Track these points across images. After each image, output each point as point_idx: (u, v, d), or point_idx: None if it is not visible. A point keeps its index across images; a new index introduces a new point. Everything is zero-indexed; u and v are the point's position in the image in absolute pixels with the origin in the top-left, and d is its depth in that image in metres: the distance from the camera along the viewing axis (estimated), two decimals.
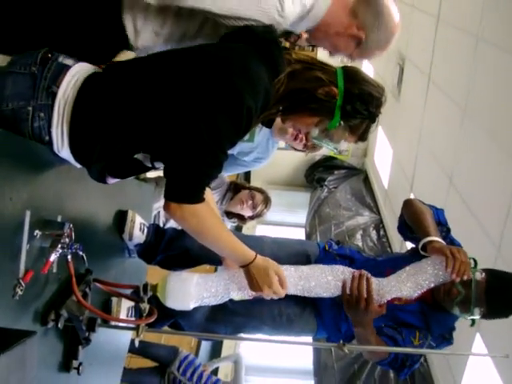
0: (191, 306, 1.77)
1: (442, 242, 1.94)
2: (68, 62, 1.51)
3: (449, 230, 2.15)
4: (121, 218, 2.19)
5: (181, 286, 1.75)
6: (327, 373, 4.51)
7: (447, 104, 4.35)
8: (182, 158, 1.44)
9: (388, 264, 2.04)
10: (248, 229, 6.47)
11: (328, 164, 8.08)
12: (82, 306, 1.58)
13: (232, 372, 4.52)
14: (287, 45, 4.53)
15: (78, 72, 1.51)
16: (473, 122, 3.82)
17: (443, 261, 1.82)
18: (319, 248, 2.26)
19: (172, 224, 2.84)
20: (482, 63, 3.66)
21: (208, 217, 1.52)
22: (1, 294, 1.28)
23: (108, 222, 2.09)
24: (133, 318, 2.03)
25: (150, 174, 3.08)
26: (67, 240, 1.48)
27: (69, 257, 1.52)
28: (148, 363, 3.98)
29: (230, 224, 3.62)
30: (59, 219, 1.54)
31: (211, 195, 1.84)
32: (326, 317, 2.17)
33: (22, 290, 1.31)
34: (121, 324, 1.87)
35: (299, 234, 7.52)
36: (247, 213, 3.46)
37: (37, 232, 1.41)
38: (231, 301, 2.17)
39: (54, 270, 1.52)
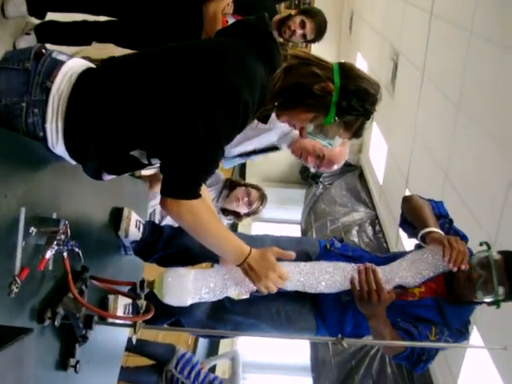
0: (189, 302, 1.77)
1: (441, 232, 1.94)
2: (62, 57, 1.50)
3: (451, 221, 2.15)
4: (116, 215, 2.18)
5: (178, 282, 1.74)
6: (325, 369, 4.52)
7: (441, 99, 4.35)
8: (179, 154, 1.43)
9: (388, 262, 2.03)
10: (243, 226, 6.47)
11: None
12: (78, 304, 1.57)
13: (229, 369, 4.52)
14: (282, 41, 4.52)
15: (72, 67, 1.50)
16: (467, 117, 3.82)
17: (441, 250, 1.82)
18: (320, 246, 2.25)
19: (168, 221, 2.84)
20: (475, 58, 3.66)
21: (204, 213, 1.52)
22: None
23: (104, 219, 2.08)
24: (130, 315, 2.02)
25: (145, 172, 3.08)
26: (63, 237, 1.47)
27: (65, 254, 1.51)
28: (145, 362, 3.98)
29: (225, 221, 3.62)
30: (54, 216, 1.53)
31: (208, 192, 1.83)
32: (328, 317, 2.16)
33: (17, 288, 1.29)
34: (118, 321, 1.86)
35: (295, 231, 7.53)
36: (243, 210, 3.46)
37: (32, 229, 1.39)
38: (229, 301, 2.18)
39: (50, 268, 1.50)
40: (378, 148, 7.03)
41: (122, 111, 1.48)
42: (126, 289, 1.93)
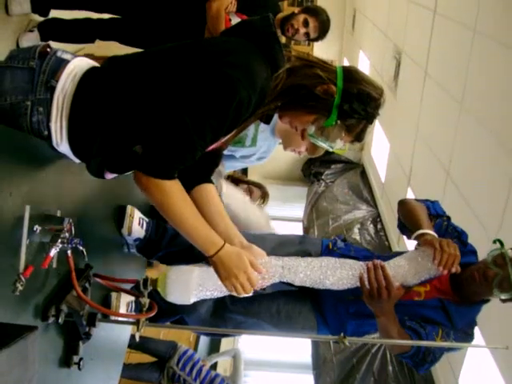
0: (191, 300, 1.78)
1: (434, 234, 1.95)
2: (66, 56, 1.51)
3: (449, 218, 2.15)
4: (120, 212, 2.19)
5: (181, 281, 1.75)
6: (326, 366, 4.52)
7: (444, 98, 4.35)
8: (161, 137, 1.43)
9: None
10: None
11: (325, 158, 8.08)
12: (82, 301, 1.58)
13: (231, 367, 4.53)
14: (284, 39, 4.55)
15: (77, 66, 1.50)
16: (469, 116, 3.82)
17: (432, 253, 1.83)
18: (322, 246, 2.25)
19: None
20: (478, 57, 3.66)
21: (174, 194, 1.48)
22: (1, 289, 1.28)
23: (107, 217, 2.09)
24: (133, 313, 2.03)
25: None
26: (67, 235, 1.48)
27: (69, 252, 1.53)
28: (147, 358, 3.99)
29: None
30: (59, 214, 1.54)
31: (214, 190, 1.83)
32: (329, 316, 2.17)
33: (22, 286, 1.30)
34: (121, 319, 1.87)
35: (297, 228, 7.53)
36: None
37: (36, 227, 1.40)
38: (231, 300, 2.18)
39: (54, 265, 1.52)
40: (380, 146, 7.03)
41: (125, 109, 1.49)
42: (129, 286, 1.94)
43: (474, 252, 2.09)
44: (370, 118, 1.60)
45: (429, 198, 2.23)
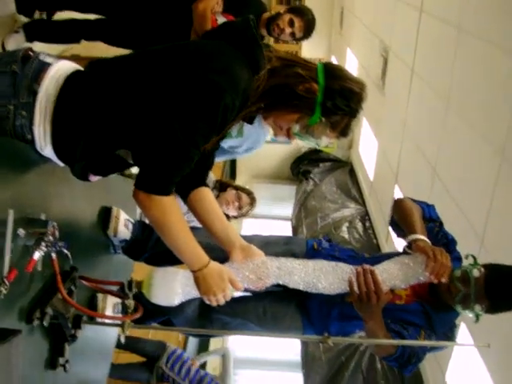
0: (176, 301, 1.78)
1: (427, 240, 1.95)
2: (49, 59, 1.51)
3: (442, 224, 2.16)
4: (105, 214, 2.19)
5: (166, 282, 1.75)
6: (315, 364, 4.54)
7: (431, 95, 4.37)
8: (155, 151, 1.44)
9: (375, 263, 2.04)
10: (234, 222, 6.46)
11: (313, 157, 8.11)
12: (67, 304, 1.58)
13: (220, 366, 4.54)
14: (271, 40, 4.56)
15: (60, 70, 1.50)
16: (456, 114, 3.84)
17: (425, 260, 1.84)
18: (307, 246, 2.26)
19: None
20: (464, 55, 3.68)
21: (172, 213, 1.52)
22: None
23: (93, 219, 2.09)
24: (119, 314, 2.03)
25: (135, 170, 3.08)
26: (51, 238, 1.48)
27: (53, 255, 1.52)
28: (136, 358, 3.99)
29: None
30: (43, 217, 1.53)
31: (211, 194, 1.83)
32: (313, 317, 2.18)
33: (6, 289, 1.30)
34: (107, 321, 1.87)
35: (286, 227, 7.55)
36: (232, 213, 3.46)
37: (20, 230, 1.40)
38: None
39: (39, 269, 1.52)
40: (368, 144, 7.05)
41: (109, 113, 1.49)
42: (115, 288, 1.94)
43: (459, 259, 2.10)
44: (353, 113, 1.60)
45: (425, 201, 2.23)
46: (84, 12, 3.50)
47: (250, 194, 3.48)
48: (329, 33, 9.07)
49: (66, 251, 1.57)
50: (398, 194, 5.43)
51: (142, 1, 3.37)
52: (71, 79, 1.49)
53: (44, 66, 1.48)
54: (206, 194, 1.81)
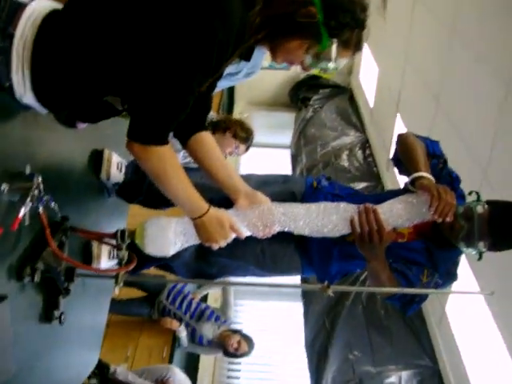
0: (171, 252, 1.74)
1: (431, 178, 1.89)
2: None
3: (446, 161, 2.09)
4: (96, 158, 2.12)
5: (159, 232, 1.70)
6: (315, 294, 4.58)
7: (434, 22, 4.21)
8: (148, 97, 1.35)
9: (376, 202, 1.99)
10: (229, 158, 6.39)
11: (312, 83, 7.91)
12: (58, 257, 1.54)
13: (221, 297, 4.58)
14: None
15: (36, 10, 1.38)
16: (459, 40, 3.70)
17: (429, 199, 1.78)
18: (306, 185, 2.20)
19: None
20: None
21: (171, 161, 1.46)
22: None
23: (83, 165, 2.01)
24: (115, 261, 2.00)
25: None
26: (36, 192, 1.41)
27: (40, 209, 1.46)
28: (137, 294, 4.02)
29: None
30: (28, 169, 1.46)
31: (211, 138, 1.75)
32: (314, 256, 2.14)
33: None
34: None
35: (285, 155, 7.47)
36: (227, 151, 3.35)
37: (4, 186, 1.34)
38: None
39: (27, 223, 1.46)
40: (368, 70, 6.88)
41: (91, 55, 1.38)
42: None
43: (463, 197, 2.05)
44: (361, 24, 1.48)
45: (428, 137, 2.15)
46: None
47: (247, 140, 3.31)
48: None
49: (52, 205, 1.50)
50: (399, 122, 5.33)
51: None
52: (49, 19, 1.38)
53: (19, 7, 1.36)
54: (207, 139, 1.74)
